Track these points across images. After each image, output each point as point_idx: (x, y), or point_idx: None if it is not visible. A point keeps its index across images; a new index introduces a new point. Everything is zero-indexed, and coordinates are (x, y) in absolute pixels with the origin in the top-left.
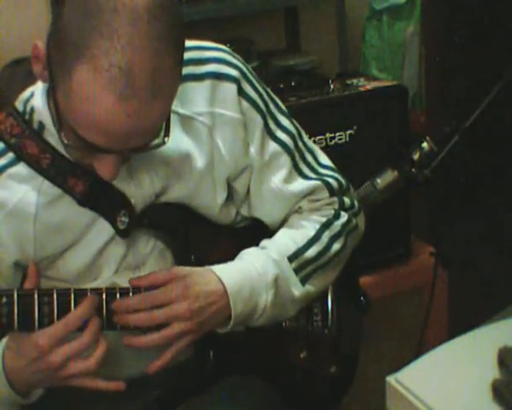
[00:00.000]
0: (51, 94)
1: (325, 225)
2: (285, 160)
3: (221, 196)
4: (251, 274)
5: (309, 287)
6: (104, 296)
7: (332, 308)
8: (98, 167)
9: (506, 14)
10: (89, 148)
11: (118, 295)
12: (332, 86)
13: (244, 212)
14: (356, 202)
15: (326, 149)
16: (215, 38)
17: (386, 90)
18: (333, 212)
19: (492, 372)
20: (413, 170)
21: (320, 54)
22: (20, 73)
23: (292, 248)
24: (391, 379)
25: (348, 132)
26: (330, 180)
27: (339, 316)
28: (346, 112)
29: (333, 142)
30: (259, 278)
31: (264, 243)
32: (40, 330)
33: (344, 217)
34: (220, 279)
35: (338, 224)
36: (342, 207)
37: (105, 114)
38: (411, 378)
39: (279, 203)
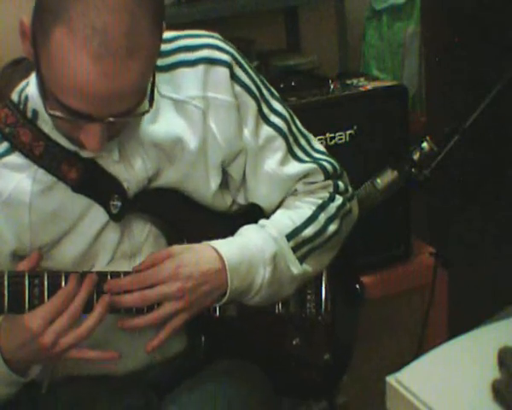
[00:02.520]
0: (36, 65)
1: (321, 207)
2: (280, 143)
3: (215, 181)
4: (250, 250)
5: (306, 266)
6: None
7: (326, 295)
8: (83, 139)
9: (506, 14)
10: (71, 115)
11: (109, 278)
12: (332, 86)
13: (240, 199)
14: (349, 188)
15: (326, 149)
16: None
17: (386, 90)
18: (328, 195)
19: (492, 372)
20: (413, 170)
21: (320, 54)
22: (20, 73)
23: (290, 227)
24: (391, 379)
25: (348, 132)
26: (325, 164)
27: (333, 303)
28: (346, 112)
29: (333, 142)
30: (258, 254)
31: (263, 221)
32: (30, 311)
33: (339, 200)
34: (219, 254)
35: (333, 206)
36: (337, 190)
37: (81, 75)
38: (411, 378)
39: (275, 186)
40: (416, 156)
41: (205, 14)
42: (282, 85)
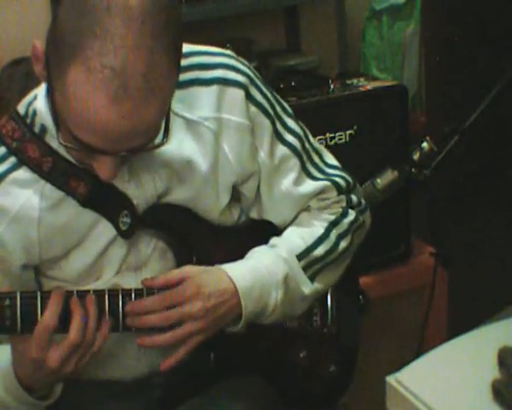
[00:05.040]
0: (50, 94)
1: (333, 224)
2: (294, 162)
3: (224, 201)
4: (261, 273)
5: (317, 284)
6: (120, 298)
7: (331, 308)
8: (97, 168)
9: (506, 14)
10: (85, 149)
11: (120, 297)
12: (332, 86)
13: (254, 215)
14: (362, 200)
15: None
16: (215, 38)
17: (387, 90)
18: (340, 210)
19: (492, 372)
20: (413, 170)
21: (320, 54)
22: (20, 73)
23: (301, 247)
24: (391, 379)
25: (348, 132)
26: (338, 180)
27: (338, 316)
28: (346, 112)
29: (333, 142)
30: (269, 276)
31: (274, 241)
32: (28, 340)
33: (351, 215)
34: (231, 279)
35: (346, 222)
36: (350, 204)
37: (98, 116)
38: (411, 378)
39: (289, 205)
40: (416, 156)
41: (205, 14)
42: (282, 85)
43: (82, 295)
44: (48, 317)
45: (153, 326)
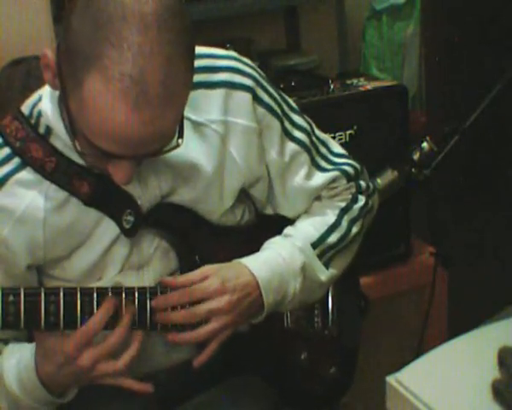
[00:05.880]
0: (63, 102)
1: (344, 210)
2: (304, 158)
3: (228, 203)
4: (279, 264)
5: (332, 270)
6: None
7: (332, 310)
8: (113, 173)
9: (506, 14)
10: (103, 155)
11: (124, 295)
12: (332, 86)
13: (269, 211)
14: (370, 183)
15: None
16: (215, 38)
17: (387, 90)
18: (350, 196)
19: (492, 372)
20: (413, 170)
21: (320, 54)
22: (20, 73)
23: (315, 236)
24: (391, 379)
25: (348, 132)
26: (346, 168)
27: (339, 317)
28: (346, 112)
29: None
30: (287, 266)
31: (288, 231)
32: (64, 334)
33: (361, 200)
34: (251, 271)
35: (356, 208)
36: (359, 190)
37: (119, 124)
38: (411, 378)
39: (302, 199)
40: (415, 156)
41: (205, 14)
42: (282, 85)
43: (85, 292)
44: (97, 320)
45: (179, 322)
